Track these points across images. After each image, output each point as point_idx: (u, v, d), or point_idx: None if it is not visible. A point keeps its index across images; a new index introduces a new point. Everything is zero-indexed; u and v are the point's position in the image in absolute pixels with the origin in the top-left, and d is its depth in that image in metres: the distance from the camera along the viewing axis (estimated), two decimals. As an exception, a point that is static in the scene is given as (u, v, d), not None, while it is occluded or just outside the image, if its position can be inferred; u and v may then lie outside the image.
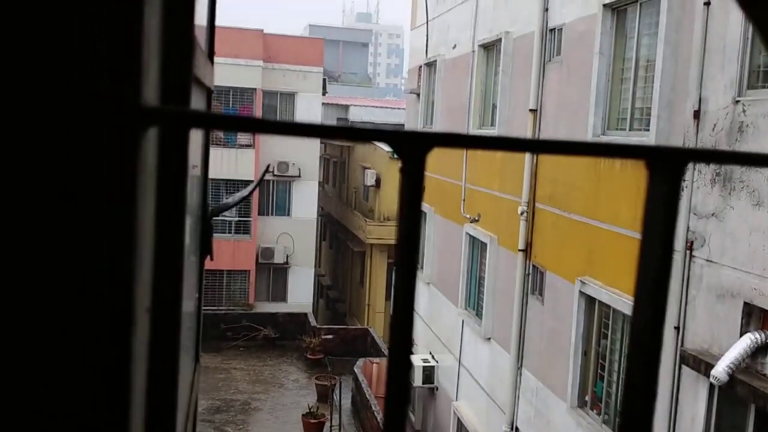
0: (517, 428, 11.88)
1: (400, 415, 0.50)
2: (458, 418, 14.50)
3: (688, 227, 7.72)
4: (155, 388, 0.89)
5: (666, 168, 0.54)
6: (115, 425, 0.59)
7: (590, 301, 9.79)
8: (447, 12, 16.32)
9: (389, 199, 26.45)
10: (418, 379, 15.93)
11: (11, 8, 0.52)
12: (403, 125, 22.92)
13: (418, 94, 17.94)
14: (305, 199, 28.45)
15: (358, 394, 19.94)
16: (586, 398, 9.98)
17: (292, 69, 27.96)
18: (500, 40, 12.99)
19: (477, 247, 14.06)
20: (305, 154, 27.78)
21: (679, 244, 7.72)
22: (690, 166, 7.72)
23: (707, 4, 7.54)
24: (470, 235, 14.18)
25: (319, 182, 30.48)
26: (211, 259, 2.05)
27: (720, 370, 6.69)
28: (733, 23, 7.16)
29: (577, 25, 10.39)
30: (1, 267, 0.54)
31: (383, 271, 26.65)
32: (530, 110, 11.57)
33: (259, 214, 27.55)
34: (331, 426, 18.63)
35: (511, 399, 11.96)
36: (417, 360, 16.13)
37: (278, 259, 27.77)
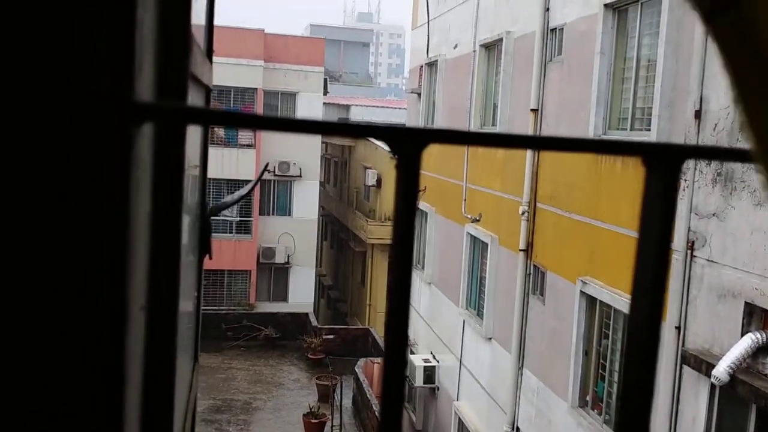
0: (518, 428, 11.87)
1: (396, 414, 0.50)
2: (459, 418, 14.51)
3: (689, 227, 7.71)
4: (152, 386, 0.88)
5: (663, 165, 0.54)
6: (110, 423, 0.58)
7: (591, 300, 9.79)
8: (448, 12, 16.32)
9: (390, 199, 26.44)
10: (419, 379, 15.93)
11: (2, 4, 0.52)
12: (404, 125, 22.88)
13: (419, 94, 17.94)
14: (306, 199, 28.47)
15: (359, 394, 19.95)
16: (587, 398, 9.98)
17: (294, 69, 27.97)
18: (501, 39, 12.99)
19: (478, 247, 14.06)
20: (306, 153, 27.79)
21: (680, 244, 7.72)
22: (691, 165, 7.72)
23: (708, 3, 7.53)
24: (471, 235, 14.18)
25: (320, 182, 30.49)
26: (210, 258, 2.05)
27: (721, 370, 6.69)
28: (734, 23, 7.14)
29: (578, 25, 10.38)
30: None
31: (384, 271, 26.65)
32: (531, 110, 11.57)
33: (260, 214, 27.56)
34: (332, 426, 18.64)
35: (512, 399, 11.96)
36: (418, 360, 16.14)
37: (279, 259, 27.78)
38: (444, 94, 16.34)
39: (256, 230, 27.44)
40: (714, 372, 6.78)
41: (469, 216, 14.07)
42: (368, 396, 18.55)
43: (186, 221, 1.34)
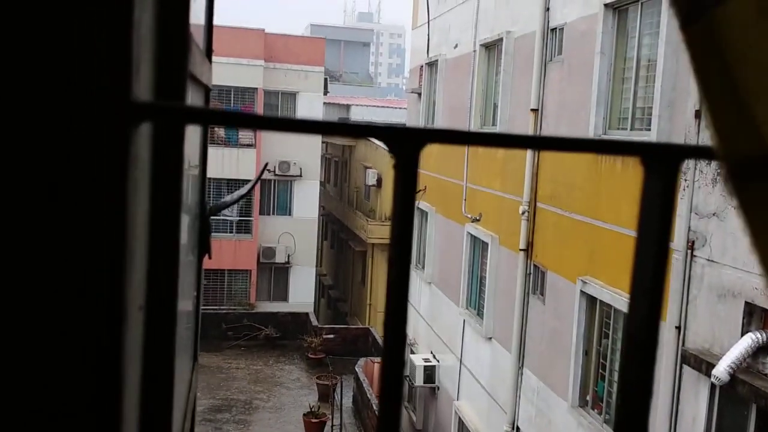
0: (518, 428, 11.88)
1: (395, 412, 0.50)
2: (459, 418, 14.51)
3: (689, 227, 7.71)
4: (151, 386, 0.88)
5: (662, 165, 0.54)
6: (109, 423, 0.58)
7: (591, 300, 9.79)
8: (448, 12, 16.32)
9: (391, 199, 26.44)
10: (419, 379, 15.93)
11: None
12: (404, 125, 22.90)
13: (420, 94, 17.94)
14: (306, 199, 28.47)
15: (359, 394, 19.96)
16: (588, 398, 9.98)
17: (294, 68, 27.98)
18: (501, 39, 12.99)
19: (478, 246, 14.06)
20: (306, 153, 27.79)
21: (680, 243, 7.72)
22: (691, 165, 7.72)
23: (709, 3, 7.53)
24: (471, 235, 14.18)
25: (321, 182, 30.50)
26: (210, 257, 2.05)
27: (721, 369, 6.69)
28: (734, 22, 7.15)
29: (579, 25, 10.38)
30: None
31: (384, 271, 26.56)
32: (531, 110, 11.57)
33: (260, 213, 27.57)
34: (332, 425, 18.64)
35: (513, 398, 11.96)
36: (418, 359, 16.14)
37: (279, 258, 27.79)
38: (444, 94, 16.34)
39: (257, 230, 27.44)
40: (714, 372, 6.78)
41: (469, 216, 14.07)
42: (368, 395, 18.56)
43: (185, 221, 1.34)
